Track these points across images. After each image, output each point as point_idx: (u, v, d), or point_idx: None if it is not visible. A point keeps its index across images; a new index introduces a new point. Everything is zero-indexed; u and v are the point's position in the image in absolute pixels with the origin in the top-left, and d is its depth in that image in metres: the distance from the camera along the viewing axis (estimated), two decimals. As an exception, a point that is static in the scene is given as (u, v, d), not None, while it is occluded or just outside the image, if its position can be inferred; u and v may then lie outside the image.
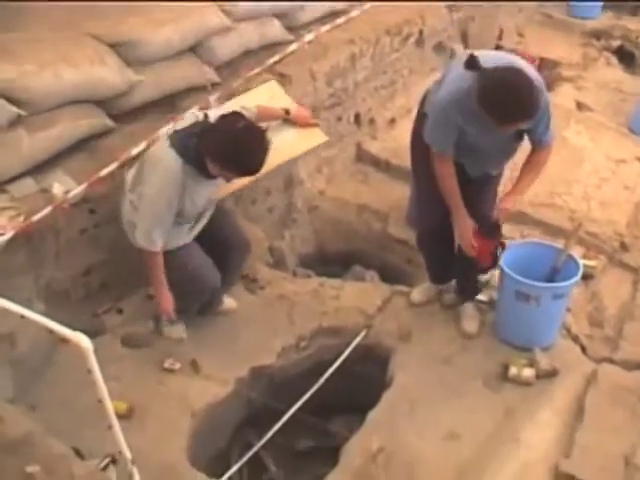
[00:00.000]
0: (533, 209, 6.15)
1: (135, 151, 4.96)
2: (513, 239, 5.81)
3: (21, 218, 4.51)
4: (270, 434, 4.67)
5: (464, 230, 4.83)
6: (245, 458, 4.60)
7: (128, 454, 3.64)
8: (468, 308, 5.29)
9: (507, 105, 4.18)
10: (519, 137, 4.67)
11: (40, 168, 4.79)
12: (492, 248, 4.96)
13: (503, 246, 5.01)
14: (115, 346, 5.00)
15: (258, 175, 4.66)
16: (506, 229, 5.24)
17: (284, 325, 5.27)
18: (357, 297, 5.47)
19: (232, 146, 4.36)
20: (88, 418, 4.46)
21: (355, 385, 5.20)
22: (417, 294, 5.47)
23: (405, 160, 6.16)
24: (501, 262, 5.00)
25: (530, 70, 4.39)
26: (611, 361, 5.09)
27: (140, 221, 4.54)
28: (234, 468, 4.54)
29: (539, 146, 4.68)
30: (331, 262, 6.38)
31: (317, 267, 6.23)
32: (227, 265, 5.06)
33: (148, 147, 4.90)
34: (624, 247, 6.02)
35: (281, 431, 4.83)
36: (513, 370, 4.89)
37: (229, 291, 5.30)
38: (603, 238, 6.03)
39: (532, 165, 4.73)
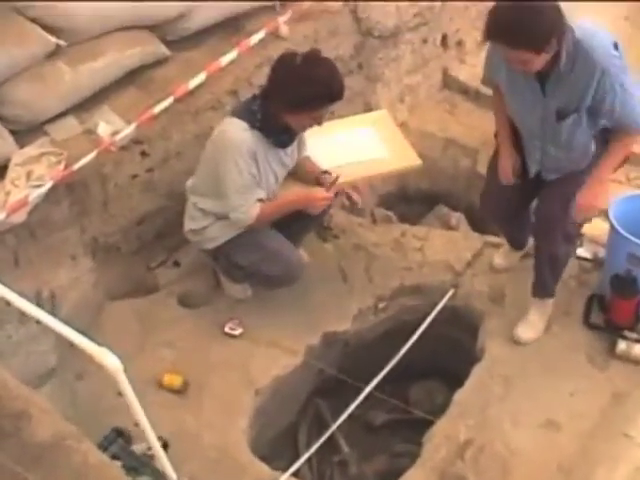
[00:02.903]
0: (641, 146, 5.15)
1: (194, 83, 4.11)
2: (618, 182, 4.92)
3: (62, 165, 3.72)
4: (343, 417, 3.94)
5: (502, 167, 3.93)
6: (314, 448, 3.87)
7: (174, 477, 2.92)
8: (532, 308, 4.19)
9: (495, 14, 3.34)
10: (560, 117, 3.63)
11: (84, 106, 4.03)
12: (633, 307, 4.07)
13: None
14: (170, 305, 4.28)
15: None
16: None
17: (361, 282, 4.45)
18: (444, 249, 4.60)
19: (304, 80, 3.65)
20: (138, 390, 3.82)
21: (438, 349, 4.40)
22: (500, 257, 4.51)
23: (497, 88, 5.30)
24: (611, 216, 4.09)
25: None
26: None
27: (229, 199, 3.83)
28: (303, 458, 3.83)
29: (619, 129, 3.63)
30: (413, 201, 5.48)
31: (398, 207, 5.34)
32: (304, 222, 4.25)
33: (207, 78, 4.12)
34: None
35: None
36: (622, 345, 4.00)
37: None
38: None
39: (611, 147, 3.68)
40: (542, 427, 3.75)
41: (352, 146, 4.37)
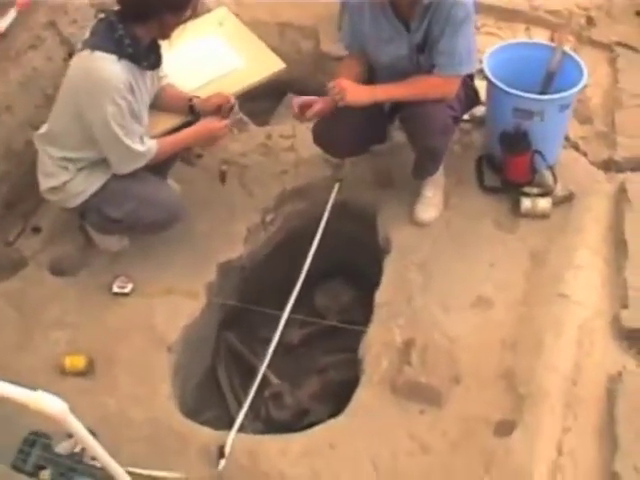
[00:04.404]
0: (480, -8, 4.84)
1: (5, 23, 3.44)
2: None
3: None
4: (268, 357, 3.48)
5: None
6: (249, 399, 3.38)
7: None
8: (424, 186, 3.90)
9: None
10: (421, 50, 3.53)
11: None
12: (527, 162, 3.83)
13: (541, 154, 3.84)
14: (44, 278, 3.65)
15: None
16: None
17: (241, 199, 4.00)
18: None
19: None
20: (37, 382, 3.24)
21: (335, 248, 4.00)
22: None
23: (324, -41, 4.80)
24: (488, 73, 3.81)
25: None
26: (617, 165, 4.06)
27: (116, 143, 3.27)
28: (242, 413, 3.31)
29: (437, 70, 3.51)
30: (260, 97, 4.84)
31: (245, 106, 4.70)
32: None
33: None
34: (591, 22, 4.82)
35: (264, 326, 3.81)
36: (526, 203, 3.82)
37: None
38: (566, 15, 4.79)
39: (417, 78, 3.51)
40: (474, 306, 3.52)
41: (207, 60, 3.86)
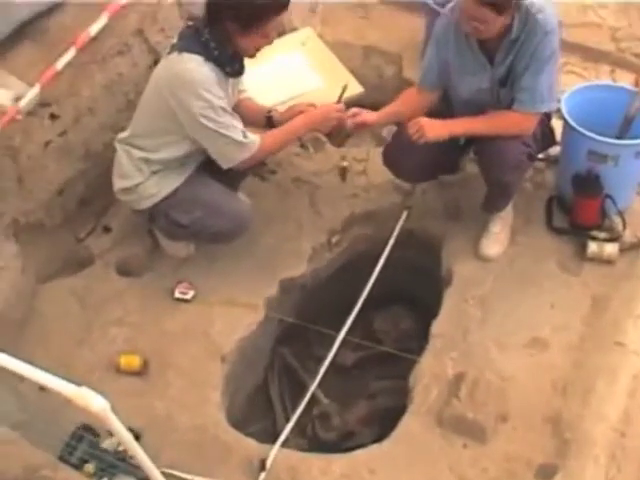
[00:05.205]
0: (567, 31, 4.80)
1: (96, 28, 3.55)
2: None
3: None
4: (320, 375, 3.56)
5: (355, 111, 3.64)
6: (296, 415, 3.46)
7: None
8: (491, 220, 3.89)
9: None
10: (503, 84, 3.55)
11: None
12: (598, 206, 3.80)
13: (612, 199, 3.81)
14: (109, 276, 3.77)
15: None
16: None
17: (309, 218, 4.03)
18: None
19: None
20: (92, 377, 3.36)
21: (397, 275, 4.02)
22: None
23: (413, -14, 4.83)
24: (565, 113, 3.79)
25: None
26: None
27: (210, 144, 3.39)
28: (288, 427, 3.39)
29: (516, 106, 3.51)
30: (339, 118, 5.00)
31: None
32: None
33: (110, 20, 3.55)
34: (681, 68, 4.75)
35: (319, 345, 3.87)
36: (592, 247, 3.76)
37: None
38: (654, 60, 4.75)
39: (495, 113, 3.54)
40: (529, 347, 3.48)
41: (286, 78, 3.94)
